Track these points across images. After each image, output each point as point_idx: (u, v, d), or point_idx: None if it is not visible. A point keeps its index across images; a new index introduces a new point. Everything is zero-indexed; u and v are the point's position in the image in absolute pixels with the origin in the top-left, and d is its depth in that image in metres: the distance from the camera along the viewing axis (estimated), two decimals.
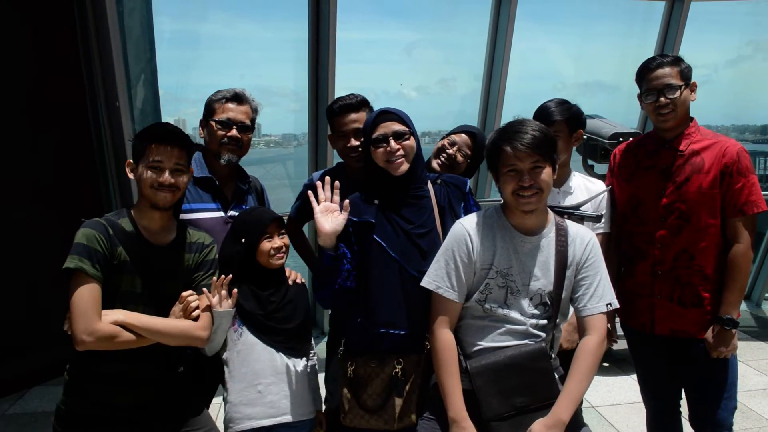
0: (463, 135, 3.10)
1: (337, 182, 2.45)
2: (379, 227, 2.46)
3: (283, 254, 2.64)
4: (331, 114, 2.99)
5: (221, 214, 2.79)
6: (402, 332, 2.43)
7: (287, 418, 2.59)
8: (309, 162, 5.74)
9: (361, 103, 2.93)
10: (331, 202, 2.43)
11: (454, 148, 3.07)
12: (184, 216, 2.68)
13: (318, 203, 2.42)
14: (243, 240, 2.59)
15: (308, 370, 2.71)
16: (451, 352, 2.29)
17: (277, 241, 2.61)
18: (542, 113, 2.96)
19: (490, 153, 2.33)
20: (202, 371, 2.64)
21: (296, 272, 2.81)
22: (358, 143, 2.86)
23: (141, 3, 5.15)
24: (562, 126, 2.93)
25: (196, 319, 2.38)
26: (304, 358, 2.68)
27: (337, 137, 2.97)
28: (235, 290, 2.47)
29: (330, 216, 2.40)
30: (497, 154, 2.26)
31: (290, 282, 2.73)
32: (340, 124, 2.94)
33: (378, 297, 2.44)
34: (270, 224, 2.61)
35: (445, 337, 2.30)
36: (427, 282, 2.33)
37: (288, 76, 6.19)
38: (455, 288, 2.29)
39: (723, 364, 2.81)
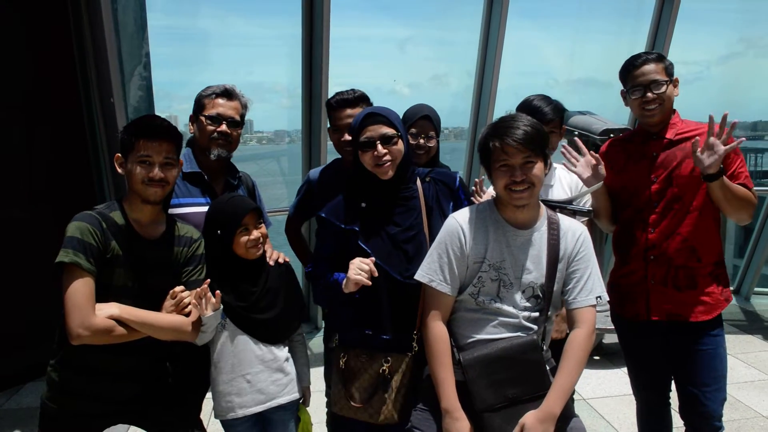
0: (418, 124, 3.10)
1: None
2: (365, 233, 2.48)
3: (260, 246, 2.62)
4: (329, 107, 3.06)
5: None
6: (386, 337, 2.47)
7: (276, 402, 2.64)
8: (303, 158, 5.74)
9: (359, 99, 2.97)
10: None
11: (421, 139, 3.08)
12: (173, 210, 2.69)
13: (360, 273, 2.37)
14: (219, 231, 2.57)
15: (297, 347, 2.78)
16: (444, 344, 2.32)
17: (254, 233, 2.59)
18: (534, 113, 2.93)
19: (482, 148, 2.35)
20: (192, 368, 2.67)
21: (278, 252, 2.81)
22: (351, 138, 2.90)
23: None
24: (556, 124, 2.99)
25: (188, 314, 2.40)
26: (287, 345, 2.72)
27: (333, 131, 3.04)
28: (219, 292, 2.45)
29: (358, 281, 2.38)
30: (489, 149, 2.29)
31: (271, 262, 2.72)
32: (336, 118, 3.01)
33: (364, 301, 2.47)
34: (245, 216, 2.57)
35: (438, 329, 2.34)
36: (420, 275, 2.36)
37: (281, 72, 6.20)
38: (448, 281, 2.32)
39: (714, 355, 2.86)
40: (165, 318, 2.35)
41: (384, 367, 2.45)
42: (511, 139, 2.22)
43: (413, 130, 3.09)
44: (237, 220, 2.56)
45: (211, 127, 2.83)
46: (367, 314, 2.49)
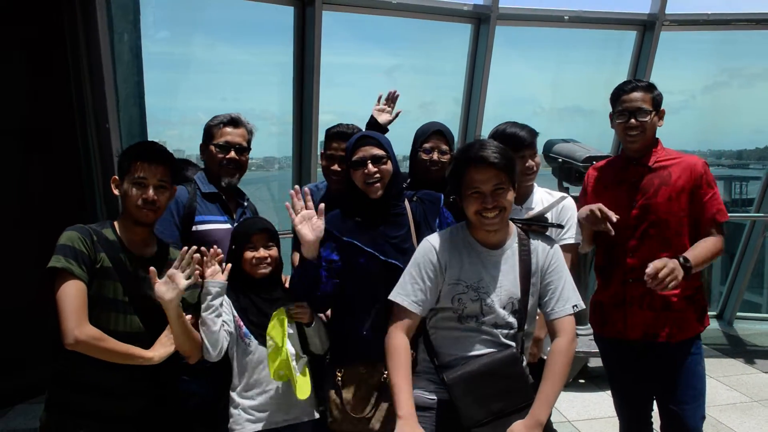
0: (431, 140, 3.18)
1: (306, 188, 2.58)
2: (364, 239, 2.60)
3: (266, 265, 2.70)
4: (327, 136, 3.19)
5: (229, 226, 2.95)
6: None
7: (295, 420, 2.69)
8: (293, 185, 5.80)
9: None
10: (306, 209, 2.55)
11: (434, 154, 3.15)
12: (197, 227, 2.85)
13: (295, 214, 2.53)
14: (233, 246, 2.72)
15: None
16: (404, 355, 2.36)
17: (261, 252, 2.68)
18: (512, 139, 2.99)
19: (452, 175, 2.44)
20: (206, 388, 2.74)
21: None
22: (339, 169, 3.07)
23: (130, 27, 5.26)
24: (535, 147, 3.08)
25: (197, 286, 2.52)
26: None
27: (327, 157, 3.18)
28: (229, 265, 2.60)
29: (309, 224, 2.52)
30: (460, 176, 2.38)
31: (287, 285, 2.81)
32: (331, 147, 3.15)
33: (363, 300, 2.59)
34: (254, 234, 2.70)
35: (399, 340, 2.38)
36: (393, 295, 2.42)
37: (271, 99, 6.29)
38: (419, 302, 2.39)
39: (693, 372, 2.95)
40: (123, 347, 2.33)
41: (385, 374, 2.52)
42: (482, 166, 2.31)
43: (426, 146, 3.17)
44: (247, 236, 2.69)
45: (220, 155, 2.99)
46: (365, 313, 2.59)
